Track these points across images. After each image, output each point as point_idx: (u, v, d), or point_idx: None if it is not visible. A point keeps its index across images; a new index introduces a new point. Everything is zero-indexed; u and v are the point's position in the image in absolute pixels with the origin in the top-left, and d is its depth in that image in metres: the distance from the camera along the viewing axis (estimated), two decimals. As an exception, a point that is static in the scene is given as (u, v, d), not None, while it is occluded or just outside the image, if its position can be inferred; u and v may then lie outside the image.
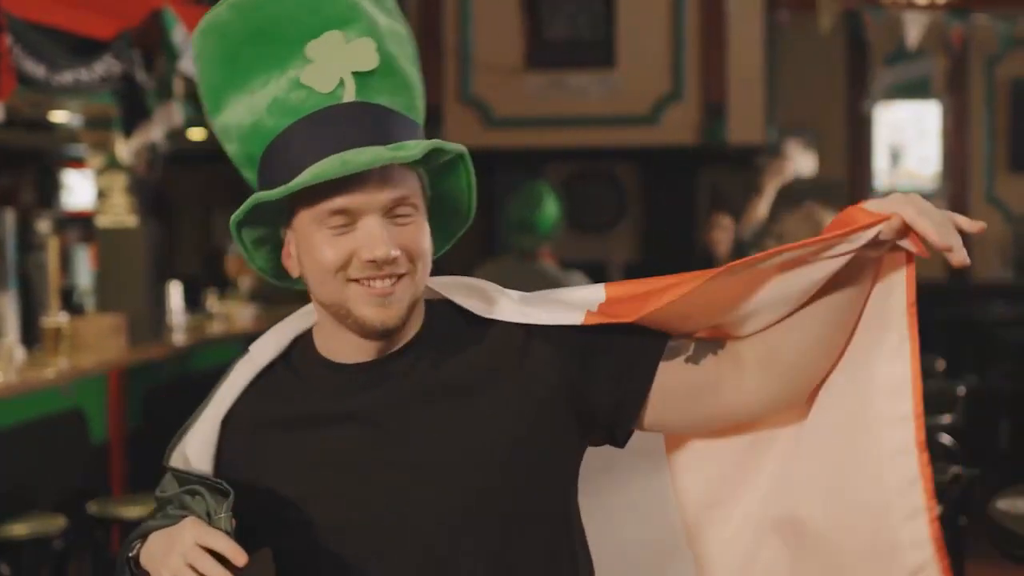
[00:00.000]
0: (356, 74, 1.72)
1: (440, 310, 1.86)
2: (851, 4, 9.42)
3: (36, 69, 5.44)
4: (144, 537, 1.71)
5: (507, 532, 1.78)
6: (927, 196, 8.59)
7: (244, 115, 1.76)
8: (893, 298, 1.79)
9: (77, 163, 11.84)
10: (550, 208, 5.77)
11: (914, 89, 10.60)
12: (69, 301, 8.91)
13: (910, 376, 1.76)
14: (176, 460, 1.83)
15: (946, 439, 5.45)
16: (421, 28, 9.84)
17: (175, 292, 7.61)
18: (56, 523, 4.87)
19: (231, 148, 1.81)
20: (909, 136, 10.66)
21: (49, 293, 6.69)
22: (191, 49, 1.83)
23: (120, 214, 6.90)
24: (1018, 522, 3.31)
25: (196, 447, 1.83)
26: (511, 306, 1.85)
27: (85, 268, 9.84)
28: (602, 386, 1.83)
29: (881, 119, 10.66)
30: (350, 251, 1.71)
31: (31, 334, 6.75)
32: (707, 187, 10.03)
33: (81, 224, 10.98)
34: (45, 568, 4.94)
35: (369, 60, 1.73)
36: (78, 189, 12.49)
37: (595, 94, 9.51)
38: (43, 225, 10.72)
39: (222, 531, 1.63)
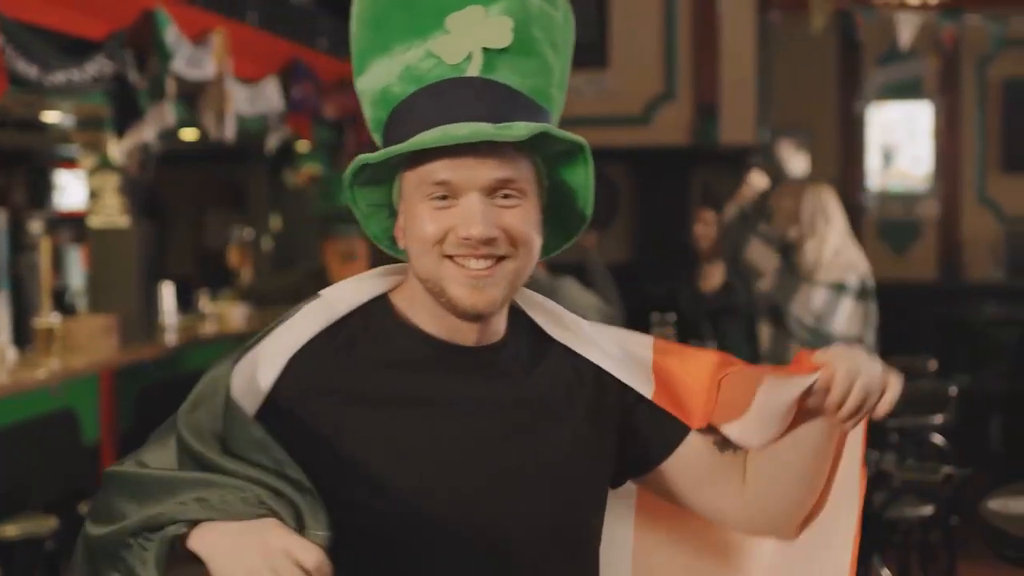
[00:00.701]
0: (486, 50, 1.70)
1: (521, 320, 1.83)
2: (843, 4, 9.43)
3: (28, 69, 5.44)
4: (192, 523, 1.58)
5: (576, 556, 1.79)
6: (919, 196, 8.49)
7: (379, 79, 1.75)
8: (852, 456, 1.83)
9: (69, 163, 11.82)
10: None
11: (906, 89, 10.62)
12: (61, 302, 8.92)
13: (852, 539, 1.81)
14: (238, 384, 1.65)
15: (938, 439, 5.46)
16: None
17: (167, 292, 7.61)
18: (48, 524, 4.87)
19: (366, 112, 1.79)
20: (901, 136, 10.67)
21: (41, 294, 6.68)
22: (354, 6, 1.80)
23: (112, 215, 6.89)
24: (1010, 522, 3.31)
25: (264, 373, 1.69)
26: (592, 346, 1.84)
27: (77, 269, 9.85)
28: (640, 432, 1.85)
29: (873, 119, 10.67)
30: (448, 226, 1.67)
31: (23, 335, 6.75)
32: (699, 187, 10.03)
33: (73, 224, 10.95)
34: (37, 568, 4.93)
35: (503, 38, 1.70)
36: (70, 189, 12.47)
37: (588, 94, 9.52)
38: (35, 225, 10.70)
39: (318, 547, 1.53)
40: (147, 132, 6.47)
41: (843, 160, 10.59)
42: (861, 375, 1.68)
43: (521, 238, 1.69)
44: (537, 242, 1.72)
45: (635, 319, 7.55)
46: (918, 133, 10.64)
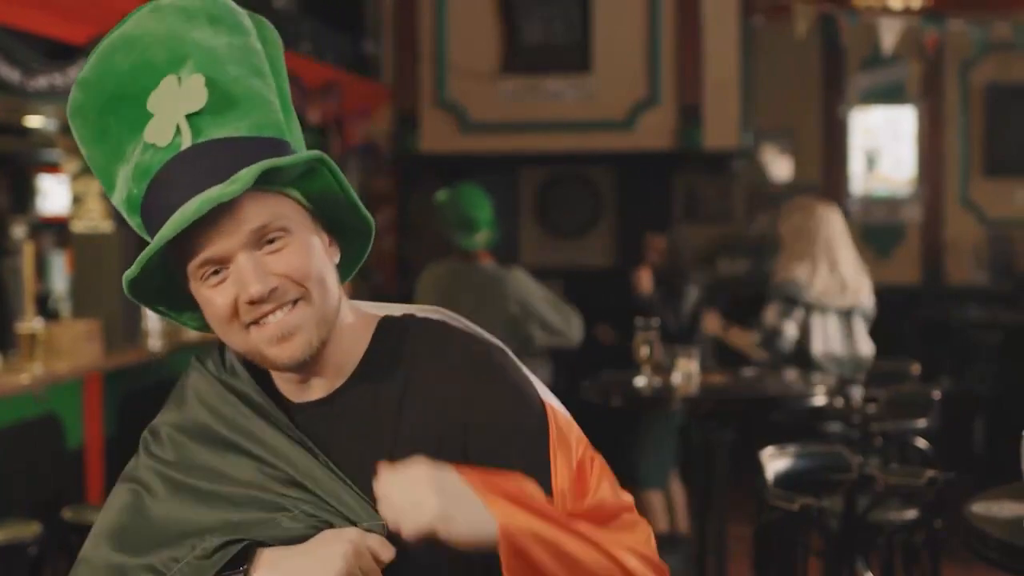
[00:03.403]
0: (190, 116, 1.63)
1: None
2: (826, 9, 9.44)
3: (11, 74, 5.43)
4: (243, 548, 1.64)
5: None
6: (902, 200, 8.50)
7: (123, 188, 1.69)
8: None
9: (52, 168, 11.79)
10: (488, 207, 5.92)
11: (889, 94, 10.64)
12: (44, 307, 8.88)
13: None
14: None
15: (921, 442, 5.47)
16: (397, 33, 9.84)
17: (151, 297, 7.58)
18: (31, 529, 4.85)
19: (132, 224, 1.73)
20: (884, 140, 10.69)
21: (24, 298, 6.65)
22: (73, 132, 1.75)
23: (95, 219, 6.87)
24: (993, 525, 3.32)
25: None
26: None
27: (60, 273, 9.80)
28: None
29: (856, 123, 10.69)
30: (234, 295, 1.65)
31: (6, 340, 6.72)
32: (682, 191, 10.05)
33: (56, 229, 10.92)
34: (19, 574, 4.92)
35: (199, 97, 1.63)
36: (53, 194, 12.43)
37: (571, 99, 9.52)
38: (18, 230, 10.67)
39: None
40: (130, 137, 6.45)
41: (826, 164, 10.61)
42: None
43: (304, 274, 1.66)
44: (325, 270, 1.69)
45: (617, 324, 7.57)
46: (901, 137, 10.67)
